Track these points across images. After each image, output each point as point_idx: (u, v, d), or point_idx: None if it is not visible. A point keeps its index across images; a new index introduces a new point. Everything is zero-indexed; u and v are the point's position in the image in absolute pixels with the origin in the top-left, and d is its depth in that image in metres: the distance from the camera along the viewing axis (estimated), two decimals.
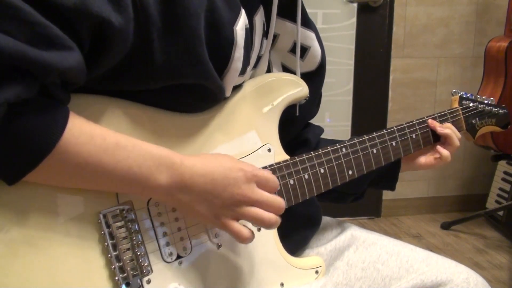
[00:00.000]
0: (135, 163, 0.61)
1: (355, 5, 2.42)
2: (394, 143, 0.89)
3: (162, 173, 0.62)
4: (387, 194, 2.66)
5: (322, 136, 1.01)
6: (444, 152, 0.94)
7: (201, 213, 0.66)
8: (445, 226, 2.53)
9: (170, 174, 0.63)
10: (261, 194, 0.67)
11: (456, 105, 1.02)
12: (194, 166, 0.64)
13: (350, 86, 2.50)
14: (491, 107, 1.06)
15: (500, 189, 2.54)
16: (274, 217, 0.67)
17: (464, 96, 1.03)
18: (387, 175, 0.98)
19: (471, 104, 1.03)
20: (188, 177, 0.63)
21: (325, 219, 0.99)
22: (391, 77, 2.57)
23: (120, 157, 0.60)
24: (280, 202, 0.68)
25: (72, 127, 0.57)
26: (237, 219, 0.67)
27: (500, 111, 1.07)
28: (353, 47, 2.46)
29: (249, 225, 0.69)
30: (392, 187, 1.00)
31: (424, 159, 0.96)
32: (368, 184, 0.98)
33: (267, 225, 0.67)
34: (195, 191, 0.64)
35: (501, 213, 2.49)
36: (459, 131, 1.00)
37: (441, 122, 0.96)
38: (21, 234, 0.58)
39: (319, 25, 2.38)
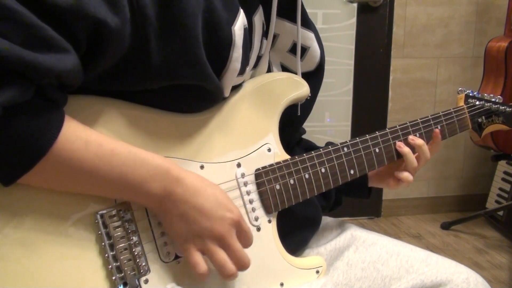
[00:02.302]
0: (129, 170, 0.61)
1: (355, 5, 2.42)
2: (397, 142, 0.89)
3: (155, 182, 0.62)
4: (387, 194, 2.66)
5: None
6: (405, 176, 0.90)
7: (175, 230, 0.65)
8: (445, 226, 2.53)
9: (163, 185, 0.63)
10: (236, 243, 0.67)
11: (461, 103, 1.01)
12: (190, 184, 0.64)
13: (350, 86, 2.50)
14: (498, 105, 1.04)
15: (500, 189, 2.54)
16: (234, 271, 0.66)
17: (470, 94, 1.02)
18: (358, 184, 0.97)
19: (477, 103, 1.02)
20: (179, 192, 0.64)
21: (325, 219, 0.99)
22: (391, 77, 2.56)
23: (115, 164, 0.60)
24: (248, 261, 0.68)
25: (67, 131, 0.57)
26: (203, 252, 0.66)
27: (508, 109, 1.05)
28: (353, 47, 2.46)
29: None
30: (365, 196, 0.99)
31: (386, 178, 0.94)
32: (336, 192, 0.98)
33: (225, 274, 0.66)
34: (181, 209, 0.64)
35: (501, 213, 2.49)
36: (464, 130, 0.98)
37: (446, 121, 0.96)
38: (18, 235, 0.58)
39: (319, 25, 2.38)
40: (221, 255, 0.66)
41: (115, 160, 0.60)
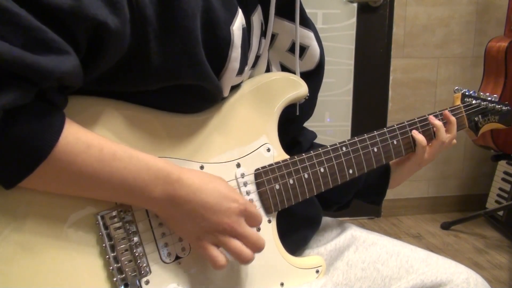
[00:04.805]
0: (130, 174, 0.61)
1: (355, 5, 2.42)
2: (395, 141, 0.89)
3: (157, 187, 0.62)
4: (387, 194, 2.64)
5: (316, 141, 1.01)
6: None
7: (185, 230, 0.66)
8: (445, 226, 2.53)
9: (165, 188, 0.63)
10: (246, 230, 0.68)
11: (458, 102, 1.01)
12: (191, 184, 0.64)
13: (350, 86, 2.50)
14: (494, 104, 1.05)
15: (500, 189, 2.54)
16: (251, 255, 0.68)
17: (466, 93, 1.03)
18: (375, 189, 0.99)
19: (474, 102, 1.02)
20: (183, 193, 0.64)
21: (325, 219, 0.99)
22: (391, 77, 2.56)
23: (116, 168, 0.60)
24: (261, 242, 0.69)
25: (68, 134, 0.57)
26: (217, 246, 0.67)
27: (504, 108, 1.06)
28: (353, 47, 2.46)
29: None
30: (378, 202, 1.00)
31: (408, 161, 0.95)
32: (354, 195, 0.98)
33: (243, 260, 0.67)
34: (186, 209, 0.64)
35: (501, 213, 2.49)
36: (461, 129, 0.99)
37: (442, 119, 0.96)
38: (19, 236, 0.58)
39: (319, 25, 2.38)
40: (235, 244, 0.67)
41: (116, 165, 0.60)
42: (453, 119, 0.94)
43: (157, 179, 0.62)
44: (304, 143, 0.95)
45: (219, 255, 0.66)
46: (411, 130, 0.91)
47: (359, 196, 0.99)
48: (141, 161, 0.62)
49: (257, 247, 0.68)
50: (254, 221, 0.70)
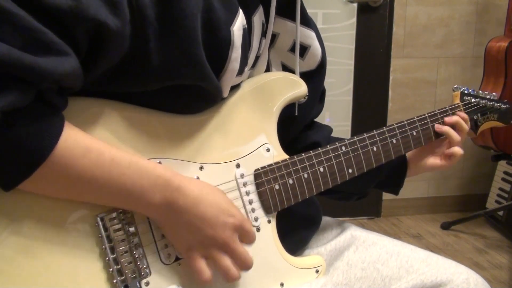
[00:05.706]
0: (129, 180, 0.60)
1: (355, 5, 2.42)
2: (394, 140, 0.89)
3: (156, 194, 0.62)
4: (387, 194, 2.65)
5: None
6: (455, 150, 0.94)
7: (178, 238, 0.66)
8: (445, 226, 2.53)
9: (164, 195, 0.63)
10: (238, 247, 0.68)
11: (457, 101, 1.01)
12: (190, 193, 0.65)
13: (350, 86, 2.50)
14: (493, 102, 1.05)
15: (500, 189, 2.54)
16: (238, 275, 0.68)
17: (465, 91, 1.02)
18: (392, 180, 0.99)
19: (473, 100, 1.02)
20: (181, 203, 0.64)
21: (325, 219, 0.99)
22: (391, 77, 2.56)
23: (115, 173, 0.60)
24: (250, 261, 0.69)
25: (67, 138, 0.56)
26: (206, 258, 0.67)
27: (503, 106, 1.06)
28: (353, 47, 2.46)
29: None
30: (395, 192, 1.02)
31: (433, 160, 0.97)
32: (375, 185, 0.99)
33: (229, 278, 0.68)
34: (184, 219, 0.64)
35: (501, 213, 2.48)
36: None
37: (442, 118, 0.96)
38: (19, 237, 0.58)
39: (319, 25, 2.36)
40: (225, 261, 0.67)
41: (115, 170, 0.60)
42: (454, 119, 0.95)
43: (156, 185, 0.62)
44: (322, 142, 0.94)
45: (205, 269, 0.66)
46: (410, 129, 0.91)
47: (378, 186, 1.00)
48: (141, 167, 0.62)
49: (245, 266, 0.69)
50: (247, 239, 0.70)
